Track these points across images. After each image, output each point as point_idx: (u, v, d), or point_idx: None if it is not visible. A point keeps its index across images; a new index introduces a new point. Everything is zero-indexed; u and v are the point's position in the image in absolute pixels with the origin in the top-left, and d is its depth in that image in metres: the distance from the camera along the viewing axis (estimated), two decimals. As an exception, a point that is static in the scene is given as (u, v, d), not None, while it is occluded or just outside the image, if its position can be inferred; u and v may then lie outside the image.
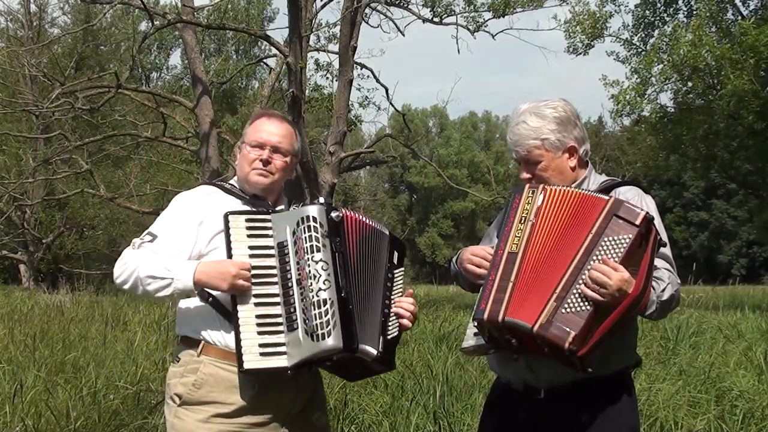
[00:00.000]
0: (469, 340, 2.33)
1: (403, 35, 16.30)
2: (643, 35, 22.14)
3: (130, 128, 18.30)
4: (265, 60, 20.93)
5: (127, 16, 31.45)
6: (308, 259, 2.29)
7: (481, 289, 2.24)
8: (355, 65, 14.10)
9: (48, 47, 21.30)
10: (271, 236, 2.37)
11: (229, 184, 2.62)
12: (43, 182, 21.32)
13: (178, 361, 2.45)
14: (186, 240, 2.41)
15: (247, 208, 2.47)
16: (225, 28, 17.73)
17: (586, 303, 2.08)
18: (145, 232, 2.46)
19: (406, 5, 16.14)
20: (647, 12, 22.08)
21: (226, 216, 2.37)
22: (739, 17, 20.82)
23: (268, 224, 2.39)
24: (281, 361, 2.28)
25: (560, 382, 2.30)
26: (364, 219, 2.46)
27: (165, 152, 23.71)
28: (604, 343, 2.14)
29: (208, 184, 2.62)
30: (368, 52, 53.44)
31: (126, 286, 2.37)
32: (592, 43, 20.97)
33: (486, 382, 5.33)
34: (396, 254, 2.54)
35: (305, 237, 2.31)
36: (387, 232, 2.53)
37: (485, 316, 2.16)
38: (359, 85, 18.90)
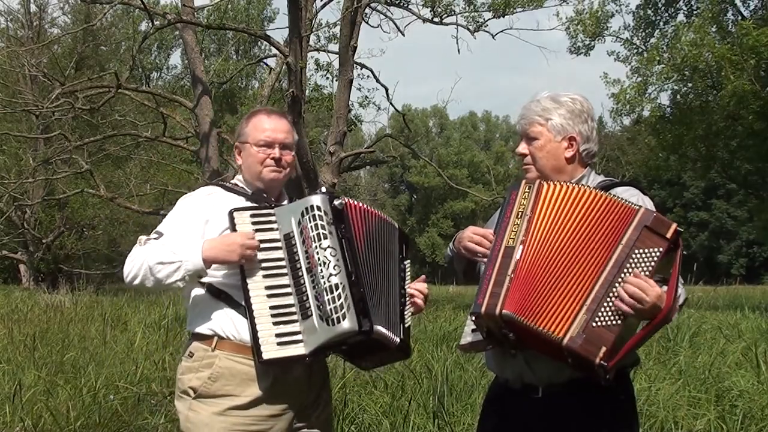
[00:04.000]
0: (467, 336, 2.34)
1: (403, 35, 16.31)
2: (644, 35, 22.15)
3: (130, 128, 18.28)
4: (265, 60, 20.91)
5: (127, 16, 31.42)
6: (316, 247, 2.33)
7: (478, 285, 2.24)
8: (355, 65, 14.09)
9: (48, 47, 21.27)
10: (277, 229, 2.42)
11: (231, 183, 2.65)
12: (43, 182, 21.31)
13: (191, 356, 2.47)
14: (192, 237, 2.42)
15: (250, 204, 2.51)
16: (225, 28, 17.70)
17: (618, 317, 2.08)
18: (153, 231, 2.49)
19: (406, 5, 16.14)
20: (648, 12, 22.09)
21: (230, 213, 2.42)
22: (740, 17, 20.83)
23: (273, 218, 2.44)
24: (298, 349, 2.32)
25: (558, 379, 2.30)
26: (368, 207, 2.50)
27: (165, 152, 23.70)
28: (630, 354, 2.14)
29: (210, 185, 2.66)
30: (368, 52, 53.72)
31: (136, 281, 2.38)
32: (592, 43, 20.99)
33: (485, 381, 5.33)
34: (404, 246, 2.60)
35: (311, 226, 2.35)
36: (396, 224, 2.60)
37: (482, 310, 2.16)
38: (359, 85, 18.94)
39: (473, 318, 2.25)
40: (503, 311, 2.13)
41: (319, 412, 2.56)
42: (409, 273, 2.59)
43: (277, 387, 2.41)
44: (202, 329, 2.46)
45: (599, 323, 2.08)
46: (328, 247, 2.32)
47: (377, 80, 16.46)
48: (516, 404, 2.39)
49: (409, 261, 2.62)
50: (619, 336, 2.08)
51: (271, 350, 2.31)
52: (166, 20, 12.68)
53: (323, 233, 2.34)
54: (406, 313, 2.50)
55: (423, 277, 2.64)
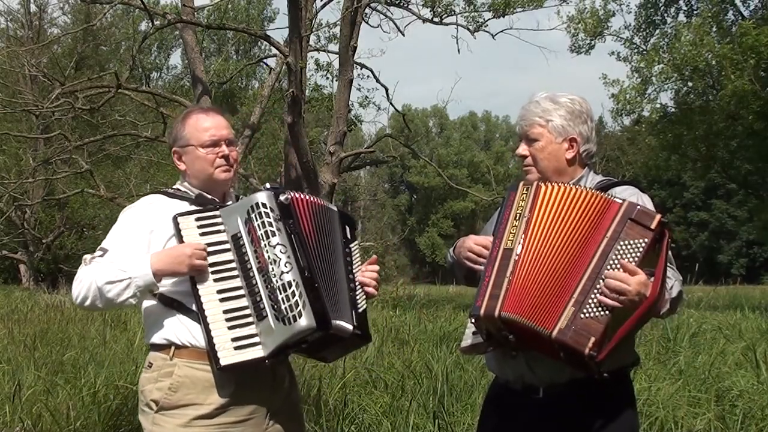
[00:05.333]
0: (468, 339, 2.34)
1: (403, 35, 16.27)
2: (644, 34, 22.15)
3: (130, 128, 18.26)
4: (265, 60, 20.90)
5: (127, 16, 31.48)
6: (265, 245, 2.27)
7: (477, 286, 2.24)
8: (355, 65, 14.07)
9: (48, 47, 21.29)
10: (224, 231, 2.36)
11: (173, 188, 2.57)
12: (43, 182, 21.30)
13: (150, 367, 2.40)
14: (138, 250, 2.36)
15: (194, 208, 2.44)
16: (225, 28, 17.70)
17: (605, 308, 2.09)
18: (98, 248, 2.42)
19: (406, 5, 16.12)
20: (650, 11, 22.08)
21: (175, 218, 2.35)
22: (740, 17, 20.83)
23: (218, 219, 2.37)
24: (257, 352, 2.26)
25: (559, 379, 2.30)
26: (313, 198, 2.44)
27: (165, 152, 23.68)
28: (622, 346, 2.14)
29: (151, 193, 2.60)
30: (368, 52, 53.64)
31: (87, 303, 2.31)
32: (592, 43, 20.99)
33: (486, 382, 5.32)
34: (348, 228, 2.54)
35: (258, 224, 2.30)
36: (335, 209, 2.53)
37: (481, 312, 2.16)
38: (359, 85, 18.87)
39: (472, 320, 2.25)
40: (502, 312, 2.13)
41: (292, 411, 2.51)
42: (357, 255, 2.53)
43: (241, 391, 2.34)
44: (158, 339, 2.38)
45: (587, 315, 2.09)
46: (278, 244, 2.26)
47: (377, 80, 16.44)
48: (516, 404, 2.39)
49: (356, 242, 2.55)
50: (608, 327, 2.09)
51: (228, 356, 2.24)
52: (166, 20, 12.68)
53: (271, 230, 2.27)
54: (358, 298, 2.44)
55: (374, 257, 2.57)
